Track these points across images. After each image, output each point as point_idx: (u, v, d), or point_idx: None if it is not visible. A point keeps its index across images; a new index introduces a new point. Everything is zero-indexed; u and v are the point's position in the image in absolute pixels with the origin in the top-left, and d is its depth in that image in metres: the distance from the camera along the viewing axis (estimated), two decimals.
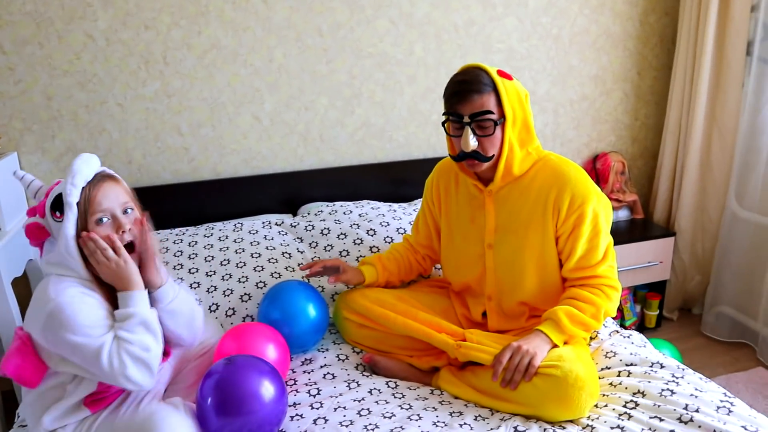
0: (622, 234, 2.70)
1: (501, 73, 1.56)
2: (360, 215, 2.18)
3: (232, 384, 1.34)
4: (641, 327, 2.83)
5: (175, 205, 2.29)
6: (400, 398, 1.55)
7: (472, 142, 1.54)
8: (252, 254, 1.99)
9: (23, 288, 2.26)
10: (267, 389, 1.35)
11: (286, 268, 1.97)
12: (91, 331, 1.27)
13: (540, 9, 2.60)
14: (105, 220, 1.35)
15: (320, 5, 2.32)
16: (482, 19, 2.53)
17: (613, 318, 1.92)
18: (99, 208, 1.34)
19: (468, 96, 1.53)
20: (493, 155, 1.57)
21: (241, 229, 2.11)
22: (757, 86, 2.49)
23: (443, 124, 1.62)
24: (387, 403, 1.52)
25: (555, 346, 1.52)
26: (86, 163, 1.37)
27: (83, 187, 1.33)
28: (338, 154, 2.51)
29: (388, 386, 1.60)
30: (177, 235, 2.08)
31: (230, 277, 1.92)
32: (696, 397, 1.43)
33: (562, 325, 1.53)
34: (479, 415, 1.48)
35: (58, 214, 1.33)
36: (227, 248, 2.02)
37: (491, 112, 1.52)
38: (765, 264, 2.56)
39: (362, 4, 2.37)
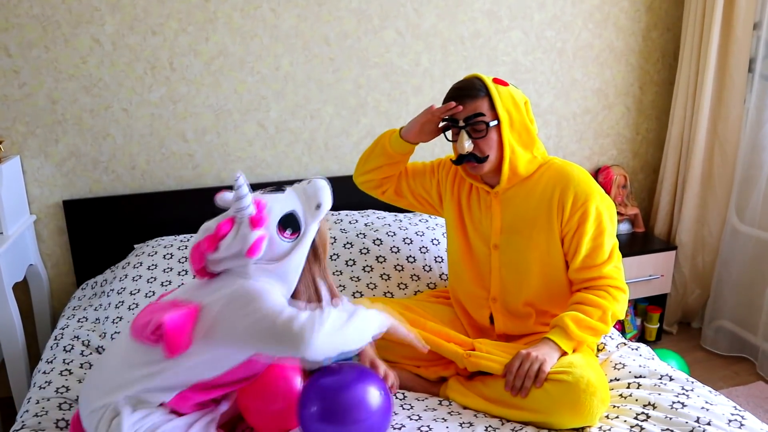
0: (624, 247, 2.70)
1: (496, 80, 1.64)
2: (366, 224, 2.17)
3: (340, 390, 1.29)
4: (641, 340, 2.83)
5: (179, 211, 2.27)
6: (408, 409, 1.53)
7: (467, 145, 1.60)
8: None
9: (23, 293, 2.23)
10: (374, 397, 1.30)
11: None
12: (283, 307, 1.22)
13: (545, 23, 2.62)
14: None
15: (328, 15, 2.32)
16: (488, 32, 2.55)
17: (615, 329, 1.93)
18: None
19: (461, 101, 1.62)
20: (488, 156, 1.61)
21: None
22: (759, 103, 2.52)
23: (444, 132, 1.70)
24: (396, 414, 1.50)
25: (564, 353, 1.53)
26: (330, 195, 1.36)
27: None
28: (343, 163, 2.50)
29: (396, 397, 1.59)
30: (182, 241, 2.06)
31: None
32: (707, 410, 1.43)
33: (570, 331, 1.53)
34: (490, 426, 1.46)
35: (288, 232, 1.29)
36: None
37: (483, 114, 1.59)
38: (765, 279, 2.57)
39: (369, 14, 2.37)
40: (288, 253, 1.28)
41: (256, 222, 1.25)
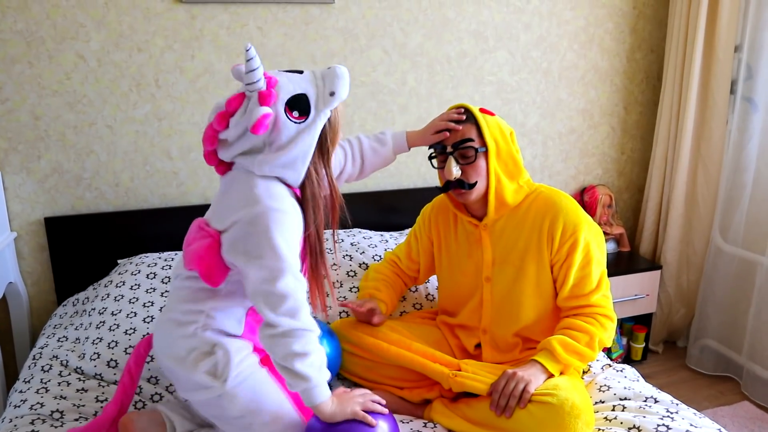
0: (609, 266, 2.71)
1: (483, 110, 1.64)
2: (352, 244, 2.16)
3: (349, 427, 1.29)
4: (627, 359, 2.83)
5: (163, 229, 2.25)
6: None
7: (455, 171, 1.59)
8: None
9: (2, 311, 2.19)
10: (381, 428, 1.30)
11: None
12: (291, 250, 1.24)
13: (531, 43, 2.64)
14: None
15: (314, 33, 2.33)
16: (474, 52, 2.56)
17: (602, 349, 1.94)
18: (340, 131, 1.36)
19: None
20: (476, 182, 1.61)
21: None
22: (741, 124, 2.55)
23: (430, 160, 1.70)
24: None
25: (551, 375, 1.52)
26: (347, 86, 1.31)
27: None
28: None
29: None
30: (165, 260, 2.04)
31: None
32: None
33: (557, 354, 1.52)
34: None
35: (296, 114, 1.26)
36: None
37: (471, 140, 1.59)
38: (748, 298, 2.59)
39: (356, 33, 2.38)
40: (294, 138, 1.26)
41: (264, 98, 1.23)
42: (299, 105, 1.26)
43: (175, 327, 1.34)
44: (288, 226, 1.24)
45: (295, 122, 1.26)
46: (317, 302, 1.39)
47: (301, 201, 1.32)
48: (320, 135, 1.29)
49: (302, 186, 1.31)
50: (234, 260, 1.26)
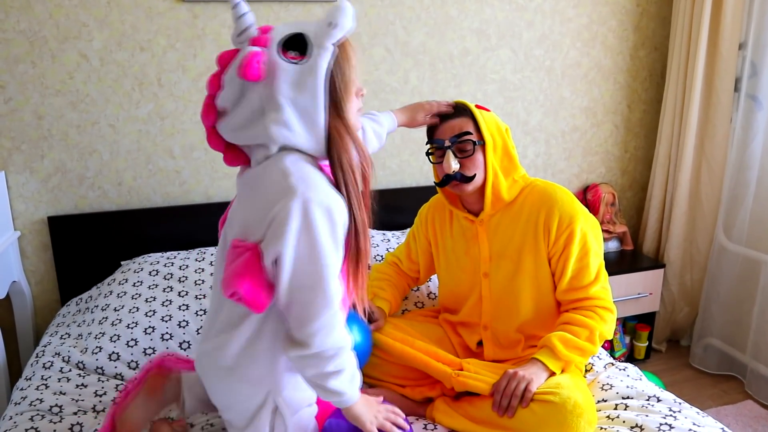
0: (612, 265, 2.71)
1: (478, 106, 1.65)
2: None
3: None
4: (630, 358, 2.83)
5: (165, 228, 2.25)
6: None
7: (454, 164, 1.59)
8: None
9: (6, 310, 2.20)
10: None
11: None
12: (334, 250, 1.09)
13: (533, 41, 2.64)
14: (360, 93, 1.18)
15: None
16: (477, 50, 2.56)
17: (603, 348, 1.93)
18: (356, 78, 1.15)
19: (448, 121, 1.63)
20: (475, 175, 1.61)
21: None
22: (745, 122, 2.53)
23: (428, 155, 1.69)
24: None
25: (552, 373, 1.52)
26: (350, 17, 1.11)
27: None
28: None
29: None
30: (168, 258, 2.04)
31: None
32: None
33: (557, 351, 1.52)
34: None
35: (292, 54, 1.08)
36: None
37: (470, 133, 1.60)
38: (752, 296, 2.58)
39: (358, 31, 2.38)
40: (297, 82, 1.07)
41: (255, 41, 1.08)
42: (296, 44, 1.09)
43: (246, 387, 1.22)
44: (332, 220, 1.08)
45: (293, 62, 1.07)
46: (354, 299, 1.23)
47: (333, 174, 1.13)
48: (330, 85, 1.10)
49: (329, 153, 1.12)
50: (273, 269, 1.11)
